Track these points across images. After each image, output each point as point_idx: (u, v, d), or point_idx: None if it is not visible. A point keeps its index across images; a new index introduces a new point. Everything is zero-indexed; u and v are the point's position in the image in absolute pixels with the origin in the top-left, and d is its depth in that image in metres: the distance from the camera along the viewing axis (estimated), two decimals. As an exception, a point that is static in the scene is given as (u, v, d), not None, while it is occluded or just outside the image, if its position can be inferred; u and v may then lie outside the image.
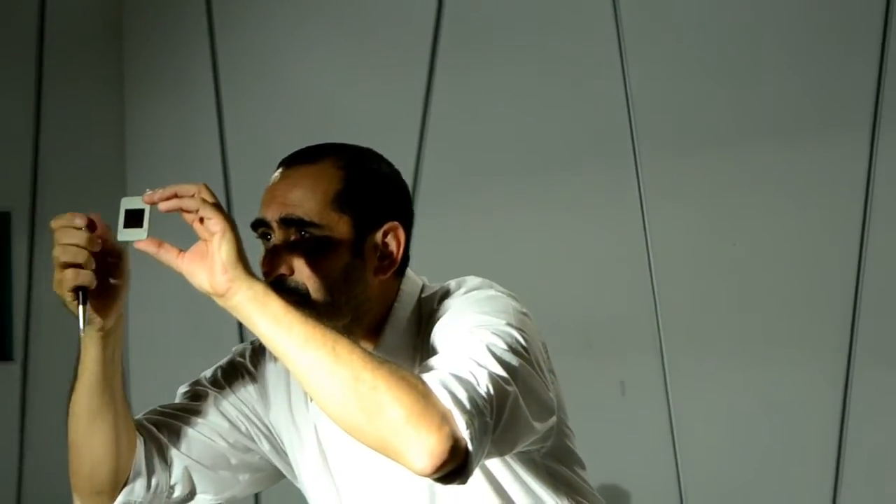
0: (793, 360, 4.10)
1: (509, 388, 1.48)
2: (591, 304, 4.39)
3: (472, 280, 1.70)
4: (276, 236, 1.64)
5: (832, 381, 4.04)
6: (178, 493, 1.75)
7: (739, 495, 4.18)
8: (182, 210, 1.51)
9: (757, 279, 4.18)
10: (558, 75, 4.47)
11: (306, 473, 1.79)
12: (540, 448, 1.68)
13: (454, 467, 1.42)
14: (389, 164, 1.74)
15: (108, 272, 1.59)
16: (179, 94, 5.14)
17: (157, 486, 1.73)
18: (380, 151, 1.75)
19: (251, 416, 1.79)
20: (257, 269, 1.57)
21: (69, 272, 1.53)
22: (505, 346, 1.52)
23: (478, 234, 4.54)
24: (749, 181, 4.19)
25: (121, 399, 1.67)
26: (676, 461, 4.25)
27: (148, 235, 1.52)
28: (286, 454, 1.81)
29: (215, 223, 1.49)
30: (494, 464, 1.68)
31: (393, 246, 1.69)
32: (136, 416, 1.74)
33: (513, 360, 1.51)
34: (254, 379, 1.81)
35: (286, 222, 1.63)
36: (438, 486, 1.45)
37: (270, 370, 1.81)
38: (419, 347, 1.67)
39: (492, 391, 1.45)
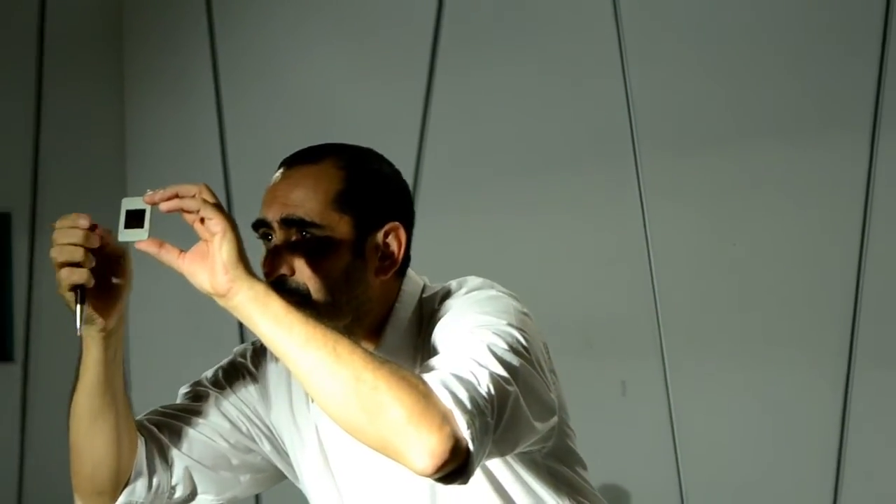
0: (793, 361, 4.09)
1: (510, 388, 1.48)
2: (591, 304, 4.38)
3: (473, 280, 1.71)
4: (277, 236, 1.64)
5: (832, 381, 4.03)
6: (179, 493, 1.75)
7: (740, 495, 4.18)
8: (183, 210, 1.51)
9: (757, 279, 4.17)
10: (558, 75, 4.46)
11: (307, 474, 1.79)
12: (541, 448, 1.68)
13: (455, 467, 1.42)
14: (390, 164, 1.74)
15: (110, 272, 1.59)
16: (179, 94, 5.14)
17: (159, 486, 1.73)
18: (380, 151, 1.75)
19: (252, 416, 1.79)
20: (258, 269, 1.57)
21: (65, 271, 1.54)
22: (506, 346, 1.52)
23: (478, 234, 4.54)
24: (749, 181, 4.19)
25: (122, 399, 1.67)
26: (677, 461, 4.25)
27: (149, 236, 1.52)
28: (287, 455, 1.81)
29: (216, 223, 1.49)
30: (495, 464, 1.68)
31: (394, 246, 1.69)
32: (138, 417, 1.74)
33: (514, 360, 1.51)
34: (255, 379, 1.81)
35: (287, 223, 1.63)
36: (439, 486, 1.45)
37: (271, 371, 1.81)
38: (420, 347, 1.67)
39: (493, 391, 1.45)
